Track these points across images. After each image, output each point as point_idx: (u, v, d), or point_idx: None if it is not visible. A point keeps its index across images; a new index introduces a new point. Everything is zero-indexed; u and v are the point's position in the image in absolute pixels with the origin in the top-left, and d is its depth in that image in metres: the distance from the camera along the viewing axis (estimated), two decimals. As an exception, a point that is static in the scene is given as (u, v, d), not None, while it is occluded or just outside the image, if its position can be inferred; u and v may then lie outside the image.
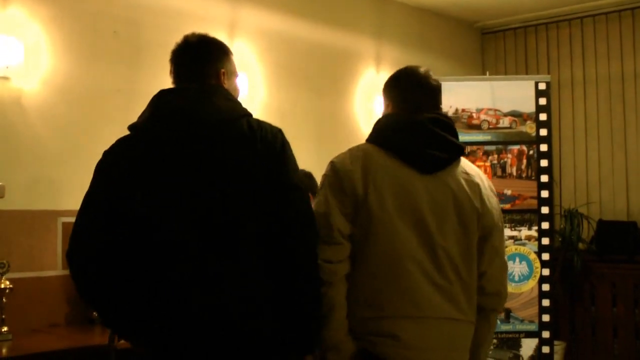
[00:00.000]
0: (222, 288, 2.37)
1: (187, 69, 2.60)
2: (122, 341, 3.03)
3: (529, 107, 6.26)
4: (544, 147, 5.92)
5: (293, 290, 2.45)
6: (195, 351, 2.37)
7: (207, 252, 2.38)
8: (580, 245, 6.85)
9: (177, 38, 5.27)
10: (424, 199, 2.60)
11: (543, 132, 6.32)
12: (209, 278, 2.37)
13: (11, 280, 4.09)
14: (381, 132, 2.70)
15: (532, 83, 6.26)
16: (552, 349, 5.78)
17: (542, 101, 6.24)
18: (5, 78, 4.32)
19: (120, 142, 2.54)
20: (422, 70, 2.79)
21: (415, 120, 2.66)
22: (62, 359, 3.74)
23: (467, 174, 2.73)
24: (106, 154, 2.55)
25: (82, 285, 2.48)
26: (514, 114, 6.28)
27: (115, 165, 2.49)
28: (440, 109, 2.78)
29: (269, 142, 2.47)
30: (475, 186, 2.72)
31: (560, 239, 6.91)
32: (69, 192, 4.57)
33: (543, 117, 6.28)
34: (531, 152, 5.91)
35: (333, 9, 6.44)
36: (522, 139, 6.15)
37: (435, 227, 2.60)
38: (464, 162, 2.77)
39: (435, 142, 2.65)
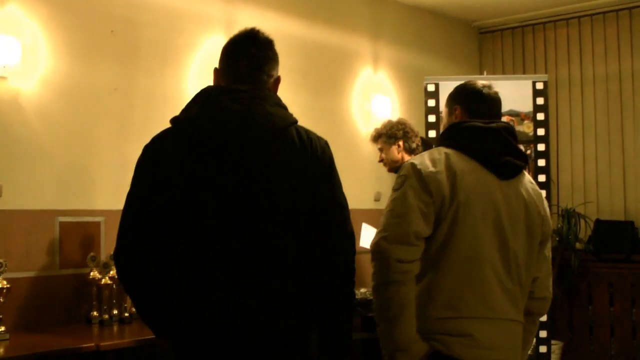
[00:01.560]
0: (256, 292, 2.40)
1: (250, 65, 2.55)
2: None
3: (526, 106, 6.26)
4: (541, 147, 5.92)
5: (329, 300, 2.52)
6: (224, 349, 2.40)
7: (246, 256, 2.40)
8: (578, 245, 6.86)
9: (175, 37, 5.30)
10: (502, 204, 2.71)
11: (540, 131, 6.32)
12: (244, 282, 2.39)
13: (9, 280, 4.08)
14: (460, 137, 2.77)
15: (530, 82, 6.25)
16: (549, 349, 5.78)
17: (540, 101, 6.24)
18: (3, 77, 4.31)
19: (163, 138, 2.50)
20: (485, 82, 2.94)
21: (492, 128, 2.77)
22: (59, 359, 3.74)
23: (532, 182, 2.89)
24: (147, 150, 2.51)
25: (129, 285, 2.53)
26: (512, 114, 6.28)
27: (158, 163, 2.45)
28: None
29: (318, 157, 2.50)
30: (539, 195, 2.87)
31: (557, 239, 6.91)
32: (67, 191, 4.57)
33: (540, 116, 6.27)
34: (529, 151, 5.91)
35: (330, 8, 6.44)
36: (520, 138, 6.14)
37: (509, 232, 2.71)
38: (525, 172, 2.89)
39: (510, 150, 2.78)
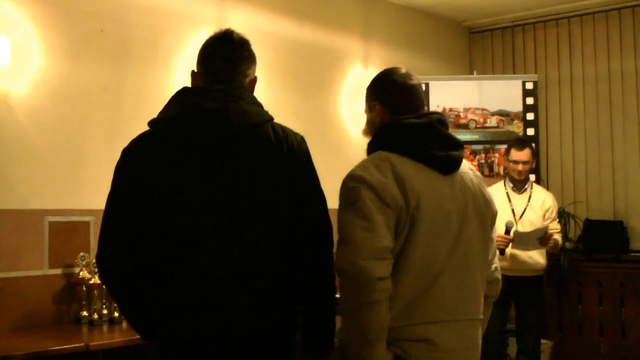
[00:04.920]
0: (237, 291, 2.41)
1: (226, 65, 2.56)
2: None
3: (516, 106, 6.29)
4: (531, 147, 5.93)
5: (310, 296, 2.53)
6: (208, 348, 2.41)
7: (228, 254, 2.41)
8: (567, 245, 6.88)
9: (165, 37, 5.30)
10: (450, 201, 2.60)
11: (530, 131, 6.35)
12: (226, 281, 2.40)
13: (-3, 280, 4.08)
14: (396, 139, 2.63)
15: (520, 82, 6.29)
16: (539, 348, 5.79)
17: (530, 100, 6.27)
18: (-8, 77, 4.31)
19: (141, 140, 2.52)
20: (405, 70, 2.78)
21: (424, 123, 2.64)
22: (49, 359, 3.73)
23: (471, 168, 2.78)
24: (126, 152, 2.51)
25: (113, 287, 2.55)
26: (502, 114, 6.30)
27: (137, 165, 2.46)
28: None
29: (295, 152, 2.51)
30: (480, 178, 2.78)
31: (547, 238, 6.92)
32: (56, 191, 4.56)
33: (530, 116, 6.31)
34: (518, 151, 5.92)
35: (320, 7, 6.44)
36: (510, 138, 6.17)
37: (462, 229, 2.62)
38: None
39: (446, 142, 2.66)
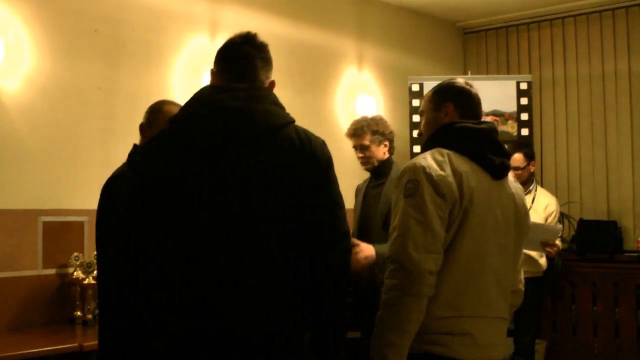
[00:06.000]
0: (247, 292, 2.40)
1: (248, 66, 2.56)
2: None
3: (510, 106, 6.29)
4: (525, 147, 5.94)
5: (324, 300, 2.52)
6: (215, 349, 2.39)
7: (239, 256, 2.40)
8: (561, 245, 6.89)
9: (159, 37, 5.28)
10: (497, 203, 2.74)
11: (524, 131, 6.36)
12: (236, 281, 2.40)
13: (-9, 280, 4.07)
14: (456, 138, 2.76)
15: (514, 83, 6.29)
16: (534, 347, 5.80)
17: (524, 101, 6.28)
18: (-15, 76, 4.30)
19: (161, 137, 2.51)
20: (467, 81, 2.93)
21: (484, 129, 2.79)
22: (43, 359, 3.73)
23: (515, 180, 2.93)
24: (144, 149, 2.53)
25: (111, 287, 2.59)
26: (496, 114, 6.31)
27: (155, 162, 2.46)
28: None
29: (317, 156, 2.50)
30: (522, 190, 2.94)
31: (541, 238, 6.92)
32: (50, 191, 4.55)
33: (524, 116, 6.31)
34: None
35: (315, 8, 6.44)
36: (504, 138, 6.18)
37: (504, 231, 2.75)
38: None
39: (499, 150, 2.80)
